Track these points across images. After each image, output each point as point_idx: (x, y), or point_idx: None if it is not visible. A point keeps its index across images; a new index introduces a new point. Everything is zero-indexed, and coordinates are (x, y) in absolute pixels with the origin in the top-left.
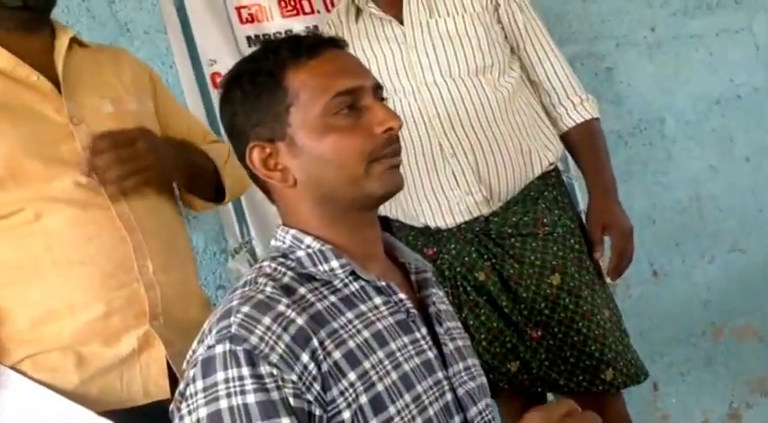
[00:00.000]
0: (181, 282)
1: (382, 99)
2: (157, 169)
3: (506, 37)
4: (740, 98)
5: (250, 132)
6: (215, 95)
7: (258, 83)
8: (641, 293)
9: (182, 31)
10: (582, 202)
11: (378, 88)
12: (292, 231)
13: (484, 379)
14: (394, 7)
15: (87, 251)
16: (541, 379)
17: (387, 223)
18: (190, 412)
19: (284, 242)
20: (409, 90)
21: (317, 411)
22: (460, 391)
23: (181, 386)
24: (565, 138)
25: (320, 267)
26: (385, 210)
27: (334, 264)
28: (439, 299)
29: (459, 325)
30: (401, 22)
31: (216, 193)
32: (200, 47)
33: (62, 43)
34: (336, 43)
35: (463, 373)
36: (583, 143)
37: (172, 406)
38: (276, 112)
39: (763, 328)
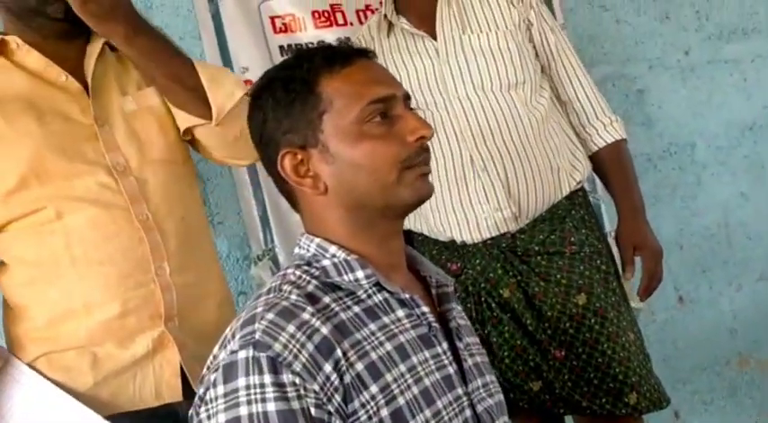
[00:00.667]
0: (198, 284)
1: (411, 109)
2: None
3: (537, 56)
4: None
5: (281, 139)
6: None
7: (291, 90)
8: (666, 319)
9: (216, 37)
10: (608, 223)
11: (407, 99)
12: (317, 240)
13: (501, 396)
14: (426, 23)
15: (106, 251)
16: (564, 400)
17: (409, 237)
18: (209, 417)
19: (308, 250)
20: (441, 103)
21: None
22: (479, 408)
23: (200, 390)
24: (593, 158)
25: (345, 277)
26: (409, 223)
27: (360, 274)
28: (459, 313)
29: (478, 341)
30: (433, 38)
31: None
32: (234, 54)
33: (95, 47)
34: (367, 53)
35: (482, 390)
36: (611, 164)
37: (191, 410)
38: (309, 119)
39: None
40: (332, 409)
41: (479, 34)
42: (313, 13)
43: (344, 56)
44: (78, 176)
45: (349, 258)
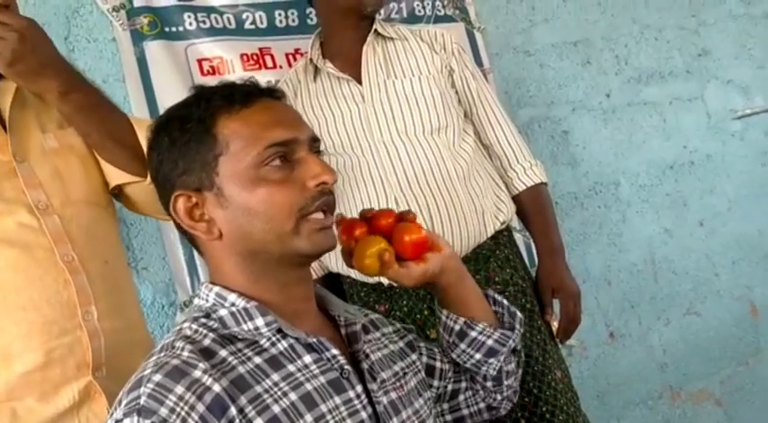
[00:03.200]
0: (126, 329)
1: (318, 152)
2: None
3: (459, 101)
4: (693, 164)
5: (176, 180)
6: None
7: (187, 129)
8: (598, 355)
9: (141, 80)
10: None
11: (314, 141)
12: (216, 288)
13: (431, 420)
14: (351, 67)
15: (28, 295)
16: None
17: (338, 280)
18: None
19: (207, 300)
20: (366, 147)
21: None
22: None
23: None
24: (515, 201)
25: (244, 326)
26: (337, 266)
27: (260, 322)
28: (375, 345)
29: (399, 369)
30: (359, 82)
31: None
32: (159, 97)
33: (12, 83)
34: (273, 93)
35: None
36: (531, 207)
37: None
38: (204, 161)
39: (720, 392)
40: None
41: (403, 80)
42: (242, 55)
43: (245, 95)
44: None
45: (248, 306)
